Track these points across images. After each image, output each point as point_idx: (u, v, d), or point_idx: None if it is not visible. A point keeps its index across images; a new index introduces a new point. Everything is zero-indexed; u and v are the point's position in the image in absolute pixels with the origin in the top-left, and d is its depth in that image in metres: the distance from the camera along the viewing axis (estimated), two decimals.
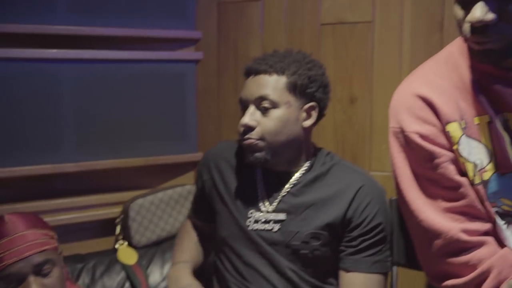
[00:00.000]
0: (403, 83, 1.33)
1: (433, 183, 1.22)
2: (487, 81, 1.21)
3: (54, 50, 1.81)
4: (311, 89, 1.44)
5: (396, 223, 1.51)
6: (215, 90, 2.19)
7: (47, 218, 1.44)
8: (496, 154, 1.21)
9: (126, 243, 1.83)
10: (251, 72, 1.46)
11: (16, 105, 1.76)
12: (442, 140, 1.22)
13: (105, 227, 1.91)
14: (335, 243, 1.44)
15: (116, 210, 1.88)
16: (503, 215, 1.23)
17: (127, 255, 1.79)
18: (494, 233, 1.22)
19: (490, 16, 1.07)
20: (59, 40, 1.83)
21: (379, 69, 1.95)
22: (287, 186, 1.48)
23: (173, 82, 2.05)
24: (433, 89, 1.23)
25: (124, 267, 1.75)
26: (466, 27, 1.12)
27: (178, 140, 2.03)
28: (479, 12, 1.07)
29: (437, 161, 1.21)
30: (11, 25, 1.74)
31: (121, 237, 1.84)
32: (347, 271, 1.42)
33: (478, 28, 1.09)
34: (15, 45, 1.75)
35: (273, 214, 1.46)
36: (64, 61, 1.83)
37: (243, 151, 1.49)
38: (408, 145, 1.25)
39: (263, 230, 1.46)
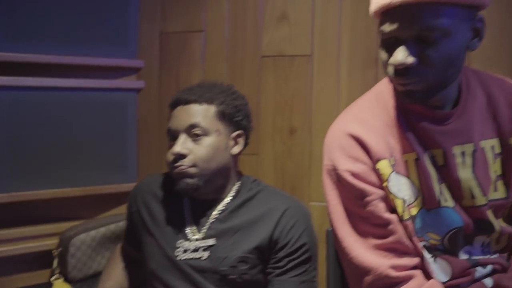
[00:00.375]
0: (336, 122, 1.36)
1: (364, 221, 1.26)
2: (414, 119, 1.27)
3: None
4: (238, 118, 1.52)
5: (332, 255, 1.54)
6: (156, 119, 2.19)
7: None
8: (423, 190, 1.26)
9: (62, 278, 1.78)
10: (179, 102, 1.51)
11: None
12: (373, 178, 1.25)
13: (41, 260, 1.86)
14: (263, 266, 1.48)
15: (53, 242, 1.83)
16: (430, 249, 1.27)
17: None
18: (422, 266, 1.26)
19: (411, 59, 1.13)
20: None
21: (318, 101, 2.00)
22: (215, 212, 1.51)
23: (114, 111, 2.03)
24: (364, 128, 1.27)
25: None
26: (390, 69, 1.18)
27: (118, 170, 2.01)
28: (400, 55, 1.13)
29: (367, 199, 1.24)
30: None
31: (57, 271, 1.79)
32: None
33: (400, 70, 1.15)
34: None
35: (202, 241, 1.49)
36: (1, 88, 1.79)
37: (171, 181, 1.52)
38: (340, 182, 1.28)
39: (192, 259, 1.47)
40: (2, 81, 1.79)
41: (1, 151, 1.79)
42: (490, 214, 1.28)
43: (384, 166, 1.25)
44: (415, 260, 1.25)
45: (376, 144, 1.25)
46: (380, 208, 1.24)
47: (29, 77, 1.85)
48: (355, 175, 1.25)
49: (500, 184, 1.29)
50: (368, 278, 1.24)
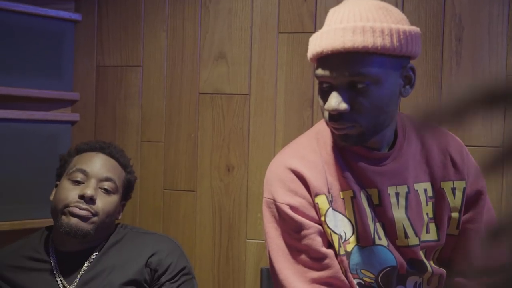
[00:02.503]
0: (277, 156, 1.39)
1: (301, 254, 1.27)
2: (351, 159, 1.31)
3: None
4: (131, 191, 1.64)
5: None
6: None
7: None
8: (358, 228, 1.29)
9: None
10: (102, 150, 1.57)
11: None
12: (311, 212, 1.28)
13: None
14: None
15: None
16: (365, 287, 1.30)
17: None
18: None
19: (343, 106, 1.18)
20: None
21: (254, 139, 2.03)
22: (86, 264, 1.51)
23: (46, 143, 1.98)
24: (304, 163, 1.31)
25: None
26: (325, 114, 1.23)
27: (50, 204, 1.94)
28: (333, 102, 1.18)
29: (305, 232, 1.26)
30: None
31: None
32: None
33: (334, 116, 1.20)
34: None
35: None
36: None
37: (25, 247, 1.54)
38: (279, 215, 1.30)
39: None
40: None
41: None
42: (422, 255, 1.32)
43: (322, 201, 1.28)
44: None
45: (315, 179, 1.29)
46: (317, 242, 1.26)
47: None
48: (293, 208, 1.27)
49: (432, 226, 1.34)
50: None
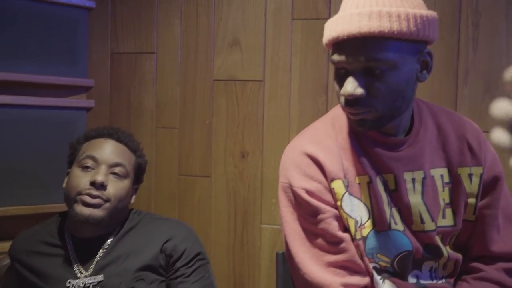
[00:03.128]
0: (293, 141, 1.39)
1: (317, 238, 1.28)
2: (368, 144, 1.31)
3: None
4: (143, 175, 1.63)
5: (281, 274, 1.56)
6: None
7: None
8: (374, 213, 1.29)
9: None
10: (110, 135, 1.56)
11: None
12: (327, 196, 1.28)
13: None
14: (162, 280, 1.50)
15: None
16: (380, 271, 1.30)
17: None
18: (372, 287, 1.29)
19: (359, 91, 1.17)
20: None
21: (269, 125, 2.03)
22: (101, 250, 1.52)
23: (62, 129, 1.99)
24: (320, 148, 1.31)
25: None
26: (342, 99, 1.23)
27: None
28: (349, 87, 1.18)
29: (321, 216, 1.27)
30: None
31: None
32: None
33: (350, 101, 1.20)
34: None
35: (91, 278, 1.49)
36: None
37: (45, 231, 1.55)
38: (295, 199, 1.30)
39: None
40: None
41: None
42: (438, 240, 1.32)
43: (338, 186, 1.28)
44: (365, 280, 1.27)
45: (331, 164, 1.29)
46: (333, 226, 1.27)
47: None
48: (309, 193, 1.28)
49: (448, 212, 1.34)
50: None
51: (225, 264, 2.02)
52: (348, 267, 1.26)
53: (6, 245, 1.71)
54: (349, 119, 1.29)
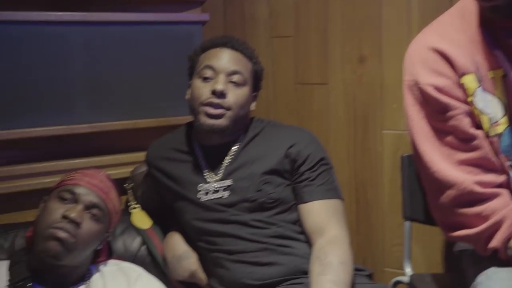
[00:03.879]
0: (418, 37, 1.33)
1: (448, 136, 1.23)
2: (502, 35, 1.22)
3: (61, 13, 1.80)
4: (261, 81, 1.66)
5: (406, 177, 1.54)
6: None
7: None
8: (510, 108, 1.22)
9: (139, 207, 1.82)
10: (225, 44, 1.58)
11: (27, 67, 1.75)
12: (457, 92, 1.22)
13: (119, 187, 1.92)
14: (287, 184, 1.54)
15: (129, 170, 1.89)
16: None
17: (141, 219, 1.78)
18: (508, 185, 1.24)
19: None
20: (66, 2, 1.82)
21: (388, 27, 1.94)
22: (227, 157, 1.58)
23: (180, 44, 2.03)
24: (448, 42, 1.24)
25: (139, 231, 1.75)
26: None
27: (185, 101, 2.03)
28: None
29: (451, 113, 1.22)
30: None
31: (133, 202, 1.83)
32: (305, 202, 1.51)
33: None
34: (24, 8, 1.74)
35: (220, 182, 1.56)
36: (71, 24, 1.82)
37: (176, 139, 1.66)
38: (422, 97, 1.25)
39: (215, 199, 1.54)
40: (73, 17, 1.82)
41: (79, 85, 1.85)
42: None
43: (469, 80, 1.21)
44: (501, 178, 1.22)
45: (461, 58, 1.22)
46: (465, 123, 1.21)
47: (98, 12, 1.87)
48: (438, 89, 1.22)
49: None
50: (450, 193, 1.22)
51: (346, 170, 2.02)
52: (482, 165, 1.21)
53: (140, 155, 1.83)
54: (481, 7, 1.20)
